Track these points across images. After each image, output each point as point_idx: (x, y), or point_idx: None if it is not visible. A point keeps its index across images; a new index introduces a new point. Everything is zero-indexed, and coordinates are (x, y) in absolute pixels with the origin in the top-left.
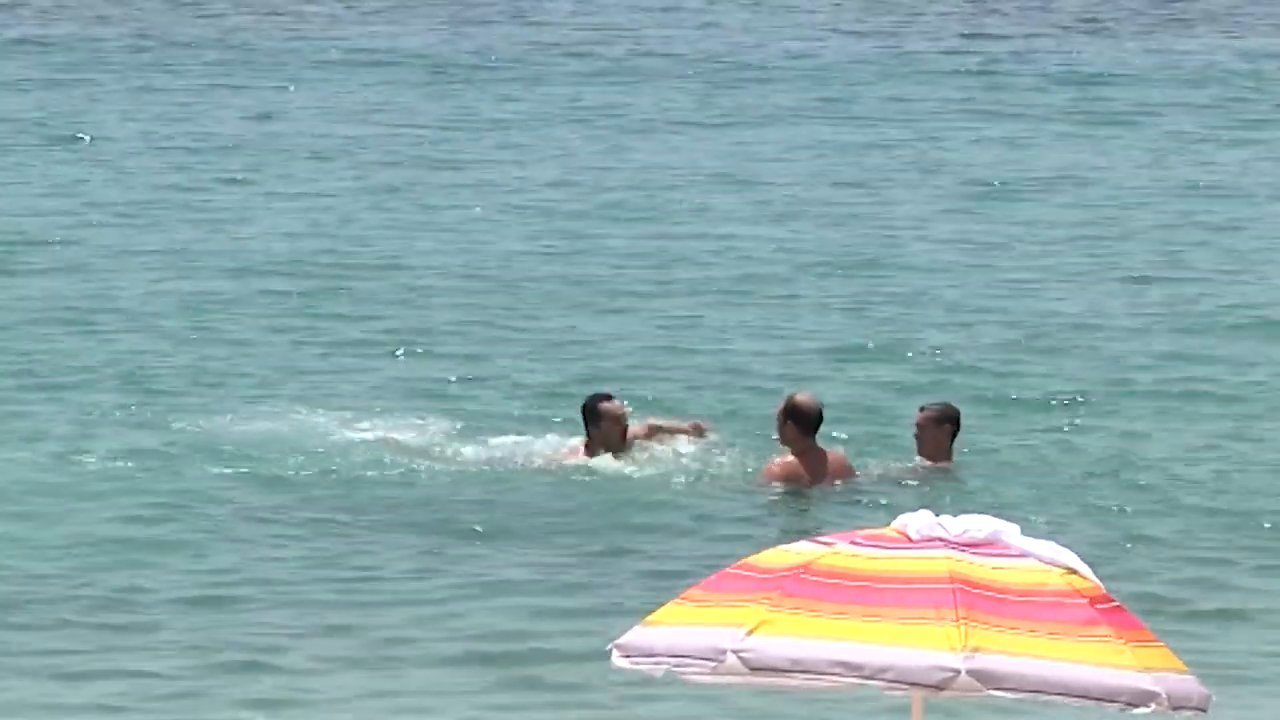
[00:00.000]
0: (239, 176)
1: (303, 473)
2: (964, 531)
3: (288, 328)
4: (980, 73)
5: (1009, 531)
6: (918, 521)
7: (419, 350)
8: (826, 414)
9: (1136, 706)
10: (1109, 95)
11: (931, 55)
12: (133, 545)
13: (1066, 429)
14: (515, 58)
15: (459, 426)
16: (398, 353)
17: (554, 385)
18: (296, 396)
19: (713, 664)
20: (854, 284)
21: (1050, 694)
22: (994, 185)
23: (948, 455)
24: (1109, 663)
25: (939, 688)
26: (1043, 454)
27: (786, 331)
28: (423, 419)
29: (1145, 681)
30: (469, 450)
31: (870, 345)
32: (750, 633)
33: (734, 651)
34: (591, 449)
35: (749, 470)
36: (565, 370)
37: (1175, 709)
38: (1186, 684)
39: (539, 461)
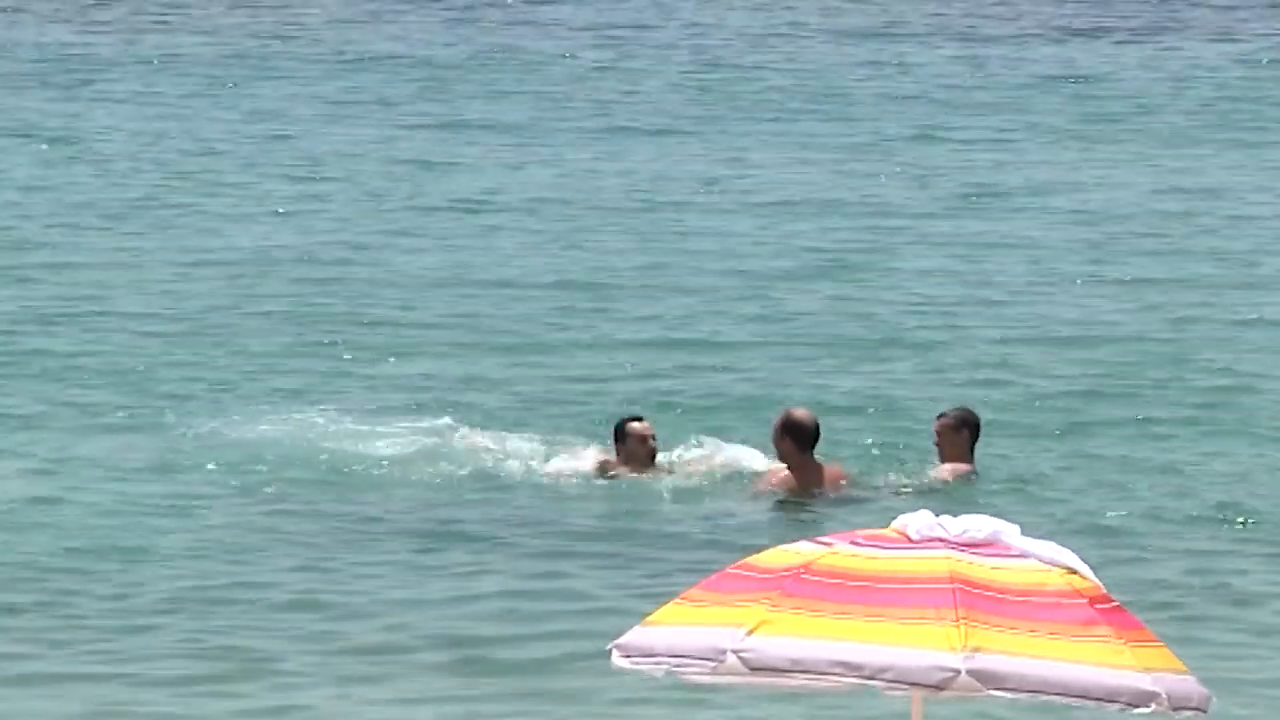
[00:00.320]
0: (236, 179)
1: (294, 477)
2: (964, 532)
3: (290, 329)
4: (977, 73)
5: (1009, 532)
6: (918, 521)
7: (416, 352)
8: (841, 423)
9: (1136, 707)
10: (1104, 97)
11: (930, 56)
12: (126, 546)
13: (1067, 429)
14: (512, 58)
15: (458, 430)
16: (390, 359)
17: (555, 387)
18: (296, 400)
19: (713, 664)
20: (851, 287)
21: (1050, 694)
22: (992, 187)
23: (969, 461)
24: (1109, 663)
25: (939, 688)
26: (1043, 454)
27: (784, 333)
28: (425, 422)
29: (1145, 682)
30: (469, 454)
31: (879, 350)
32: (750, 633)
33: (734, 651)
34: (617, 466)
35: (744, 480)
36: (566, 372)
37: (1175, 709)
38: (1186, 684)
39: (550, 469)
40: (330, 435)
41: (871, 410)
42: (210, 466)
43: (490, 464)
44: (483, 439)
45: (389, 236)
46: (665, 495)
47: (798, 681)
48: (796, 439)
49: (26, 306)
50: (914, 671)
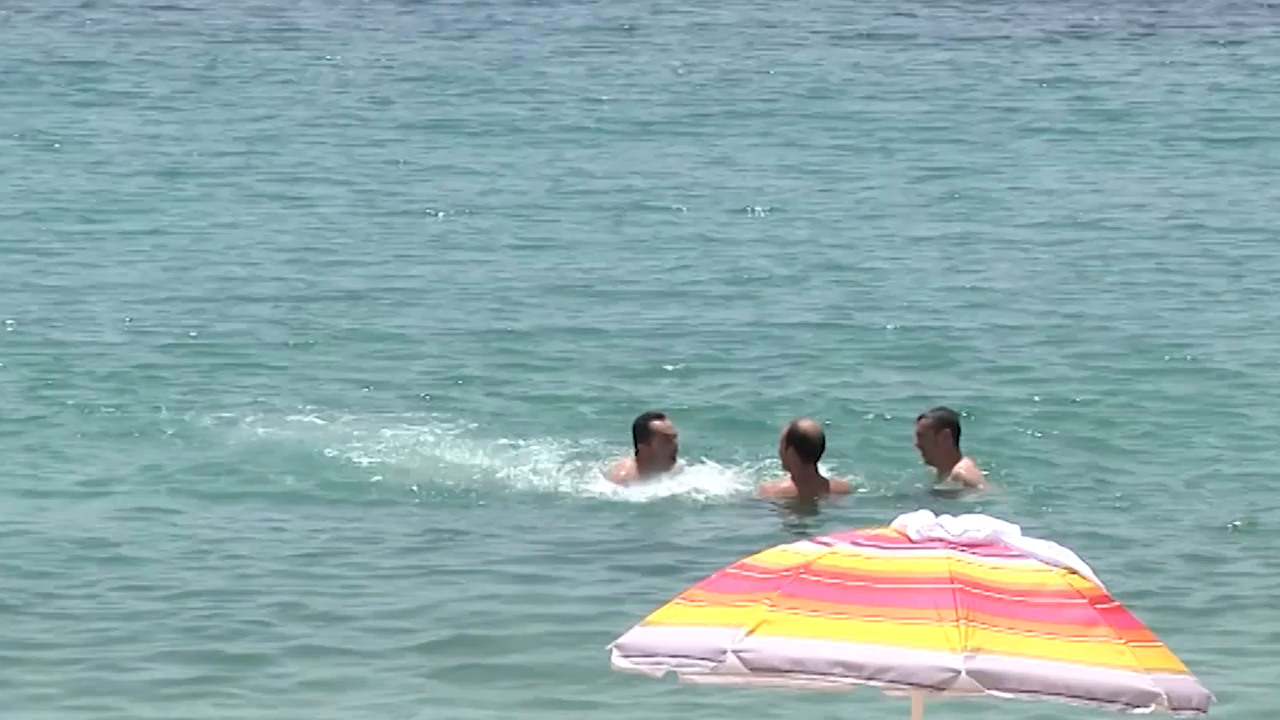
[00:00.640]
0: (231, 180)
1: (294, 478)
2: (964, 532)
3: (286, 330)
4: (971, 74)
5: (1009, 532)
6: (918, 522)
7: (416, 353)
8: (841, 425)
9: (1137, 707)
10: (1099, 100)
11: (926, 59)
12: (122, 547)
13: (1066, 429)
14: (507, 63)
15: (456, 431)
16: (389, 360)
17: (554, 388)
18: (295, 401)
19: (713, 664)
20: (846, 290)
21: (1050, 694)
22: (987, 188)
23: (955, 459)
24: (1109, 663)
25: (939, 688)
26: (1043, 455)
27: (782, 335)
28: (426, 423)
29: (1145, 682)
30: (468, 456)
31: (879, 352)
32: (750, 633)
33: (734, 651)
34: (640, 466)
35: (746, 487)
36: (566, 371)
37: (1175, 710)
38: (1186, 684)
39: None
40: (329, 436)
41: (871, 413)
42: (209, 467)
43: (485, 466)
44: (481, 441)
45: (384, 238)
46: (667, 500)
47: (798, 681)
48: (801, 450)
49: (20, 307)
50: (914, 671)
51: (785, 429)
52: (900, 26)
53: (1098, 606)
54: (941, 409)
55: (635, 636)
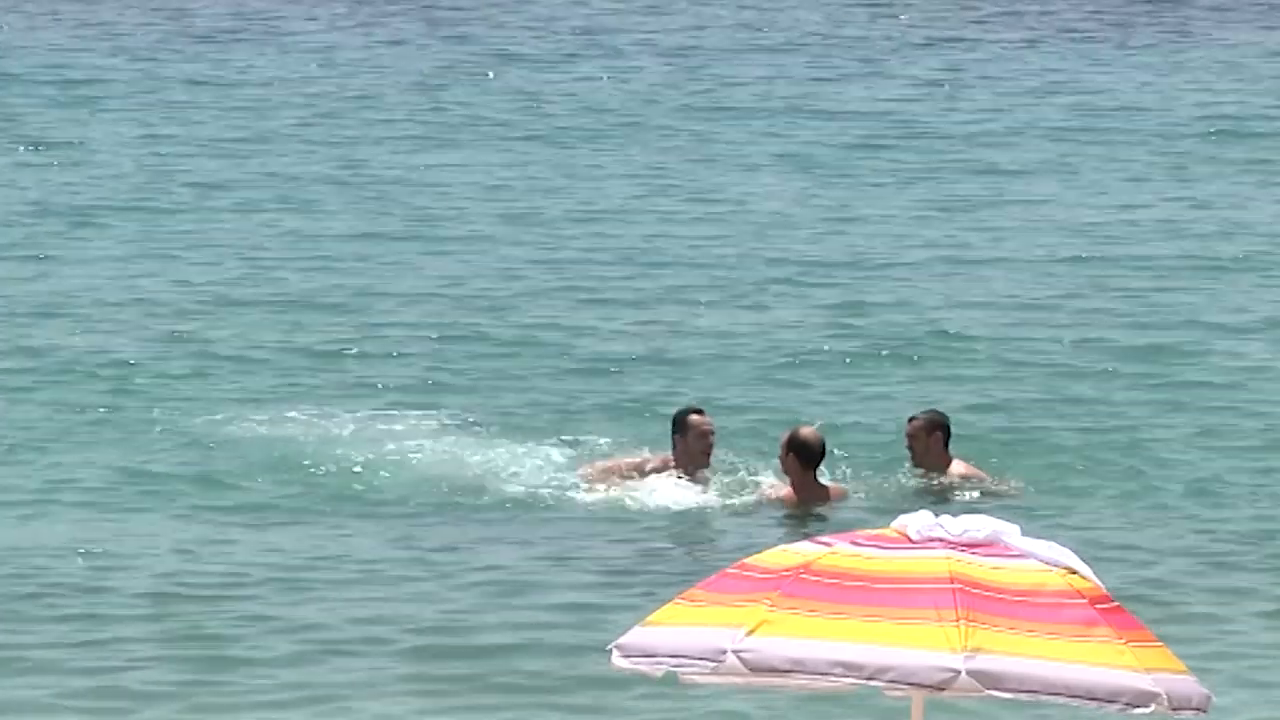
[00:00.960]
0: (226, 179)
1: (293, 479)
2: (964, 532)
3: (282, 331)
4: (965, 76)
5: (1009, 532)
6: (918, 522)
7: (416, 354)
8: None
9: (1137, 707)
10: (1093, 101)
11: (915, 59)
12: (111, 547)
13: (1066, 430)
14: (494, 60)
15: (445, 427)
16: (389, 361)
17: (552, 389)
18: (294, 402)
19: (713, 664)
20: (844, 293)
21: (1050, 694)
22: (983, 189)
23: (946, 462)
24: (1109, 663)
25: (939, 688)
26: (1042, 455)
27: (779, 339)
28: (428, 424)
29: (1145, 682)
30: (466, 457)
31: (859, 355)
32: (750, 633)
33: (734, 652)
34: (677, 460)
35: (744, 492)
36: (563, 373)
37: (1175, 710)
38: (1187, 684)
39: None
40: (328, 437)
41: (870, 415)
42: (197, 471)
43: (478, 469)
44: (476, 442)
45: (379, 239)
46: (667, 504)
47: (798, 682)
48: (802, 457)
49: (11, 307)
50: (914, 671)
51: (786, 436)
52: (891, 26)
53: (1098, 606)
54: (932, 411)
55: (635, 636)
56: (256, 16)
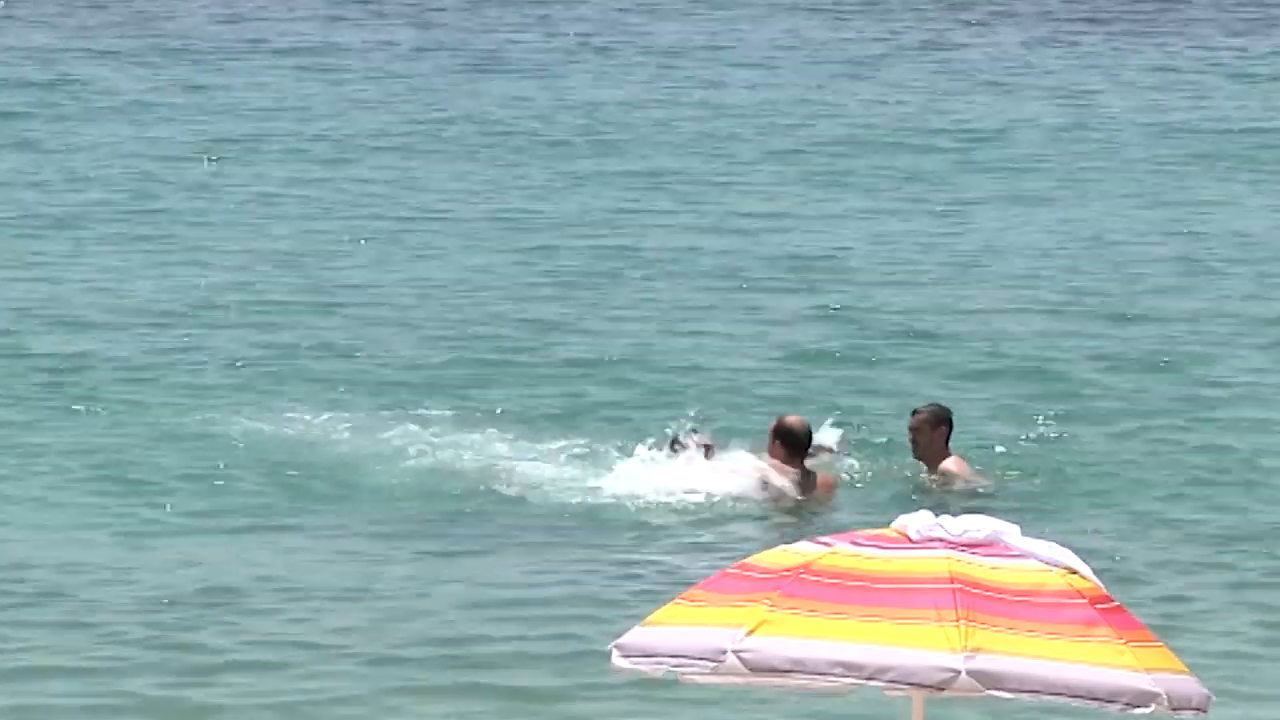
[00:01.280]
0: (222, 179)
1: (291, 480)
2: (964, 532)
3: (279, 331)
4: (955, 78)
5: (1009, 532)
6: (918, 522)
7: (417, 354)
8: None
9: (1137, 707)
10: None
11: (907, 60)
12: (106, 549)
13: (1066, 429)
14: (484, 59)
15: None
16: (389, 361)
17: (551, 391)
18: (294, 402)
19: (713, 664)
20: (842, 292)
21: (1050, 694)
22: (978, 189)
23: (945, 457)
24: (1109, 663)
25: (939, 688)
26: (1042, 456)
27: (777, 338)
28: (430, 423)
29: (1145, 682)
30: (464, 457)
31: (860, 352)
32: (750, 633)
33: (734, 652)
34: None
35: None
36: (561, 375)
37: (1175, 710)
38: (1187, 684)
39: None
40: (328, 437)
41: (868, 411)
42: (197, 472)
43: (476, 469)
44: (479, 442)
45: (374, 242)
46: (662, 499)
47: (798, 682)
48: (788, 445)
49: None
50: (914, 671)
51: (772, 424)
52: (881, 27)
53: (1098, 606)
54: (936, 405)
55: (635, 636)
56: (249, 18)
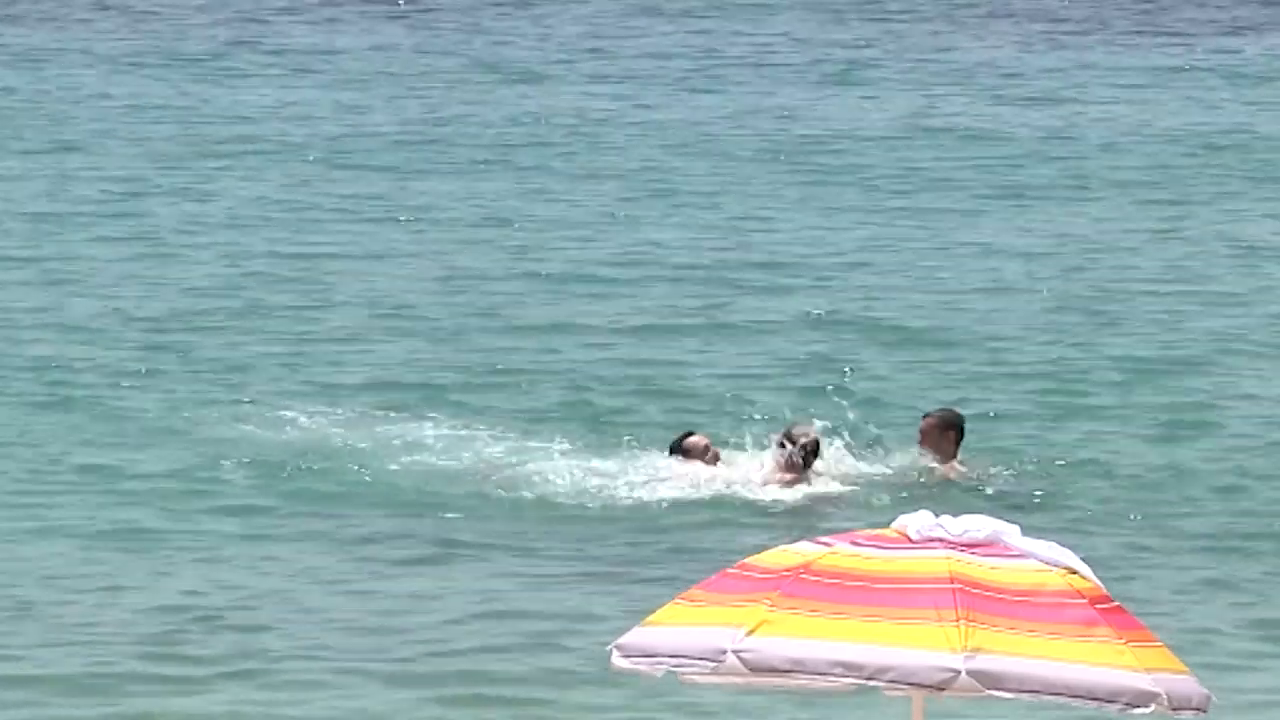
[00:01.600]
0: (220, 178)
1: (286, 483)
2: (964, 532)
3: (279, 331)
4: (964, 80)
5: (1009, 532)
6: (918, 522)
7: (416, 353)
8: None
9: (1137, 707)
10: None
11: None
12: (102, 549)
13: (1066, 429)
14: (483, 70)
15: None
16: (388, 360)
17: (552, 393)
18: (293, 402)
19: (713, 664)
20: (841, 292)
21: (1050, 694)
22: (969, 191)
23: (952, 461)
24: (1109, 663)
25: (939, 688)
26: (1041, 456)
27: (769, 339)
28: (431, 423)
29: (1145, 682)
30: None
31: (859, 351)
32: (750, 633)
33: (734, 652)
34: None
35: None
36: (561, 375)
37: (1175, 710)
38: (1187, 684)
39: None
40: (325, 439)
41: (869, 412)
42: (195, 470)
43: (478, 468)
44: (477, 442)
45: (374, 241)
46: (664, 500)
47: (798, 682)
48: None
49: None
50: (914, 671)
51: (780, 434)
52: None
53: (1098, 606)
54: (948, 409)
55: (635, 636)
56: (239, 19)
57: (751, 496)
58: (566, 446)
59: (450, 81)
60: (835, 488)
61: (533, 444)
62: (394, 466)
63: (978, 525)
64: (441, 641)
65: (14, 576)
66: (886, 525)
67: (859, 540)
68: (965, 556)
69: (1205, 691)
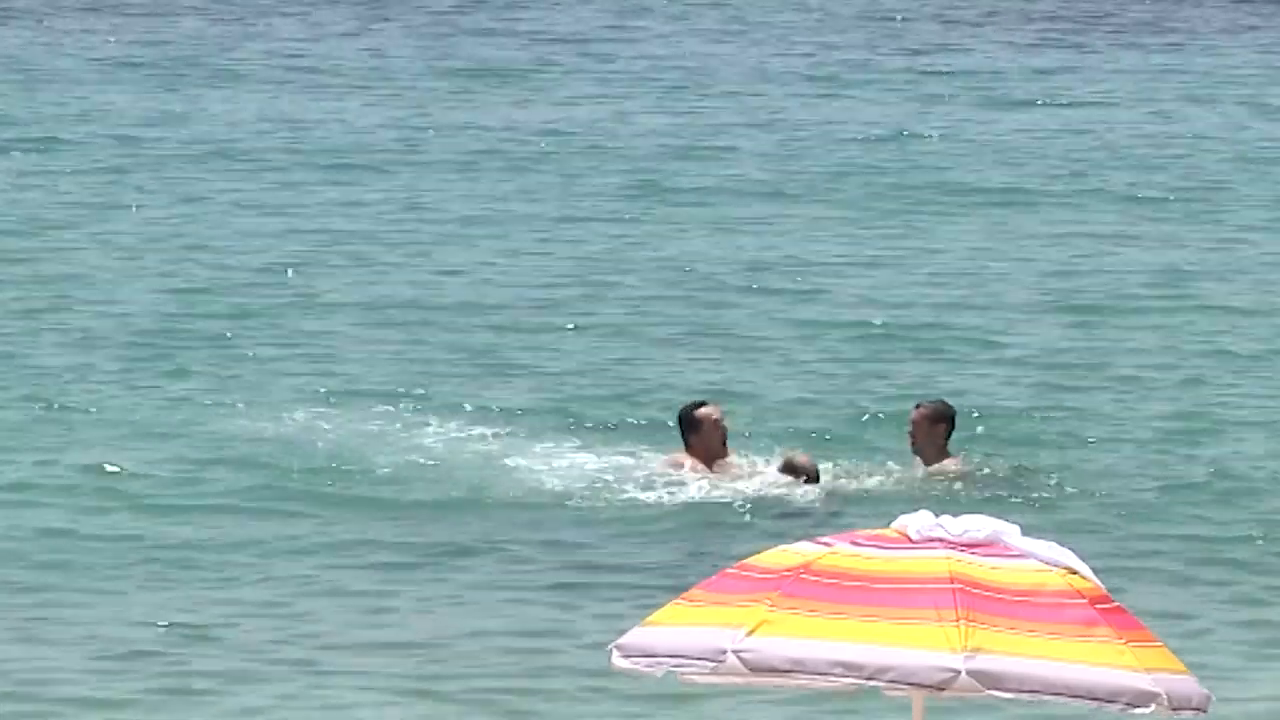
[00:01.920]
0: (220, 179)
1: (285, 483)
2: (964, 532)
3: (279, 330)
4: (963, 82)
5: (1009, 532)
6: (918, 522)
7: (418, 352)
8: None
9: (1137, 707)
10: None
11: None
12: (100, 550)
13: (1066, 432)
14: (479, 66)
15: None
16: (391, 359)
17: (554, 393)
18: (293, 401)
19: (713, 664)
20: (840, 292)
21: (1050, 694)
22: (977, 191)
23: (943, 455)
24: (1109, 663)
25: (939, 688)
26: (1041, 456)
27: (768, 341)
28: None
29: (1145, 682)
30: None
31: (858, 353)
32: (750, 633)
33: (734, 652)
34: (697, 456)
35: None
36: (559, 376)
37: (1175, 710)
38: (1187, 684)
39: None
40: (322, 440)
41: (867, 411)
42: (197, 468)
43: (478, 468)
44: (476, 442)
45: (376, 240)
46: (665, 501)
47: (798, 682)
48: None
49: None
50: (914, 672)
51: (779, 463)
52: (867, 29)
53: (1098, 606)
54: (940, 401)
55: (635, 637)
56: (230, 17)
57: (751, 497)
58: (565, 447)
59: (449, 80)
60: (835, 488)
61: (531, 445)
62: (387, 469)
63: (978, 525)
64: (438, 643)
65: (13, 577)
66: (886, 525)
67: (859, 540)
68: (965, 556)
69: (1205, 692)
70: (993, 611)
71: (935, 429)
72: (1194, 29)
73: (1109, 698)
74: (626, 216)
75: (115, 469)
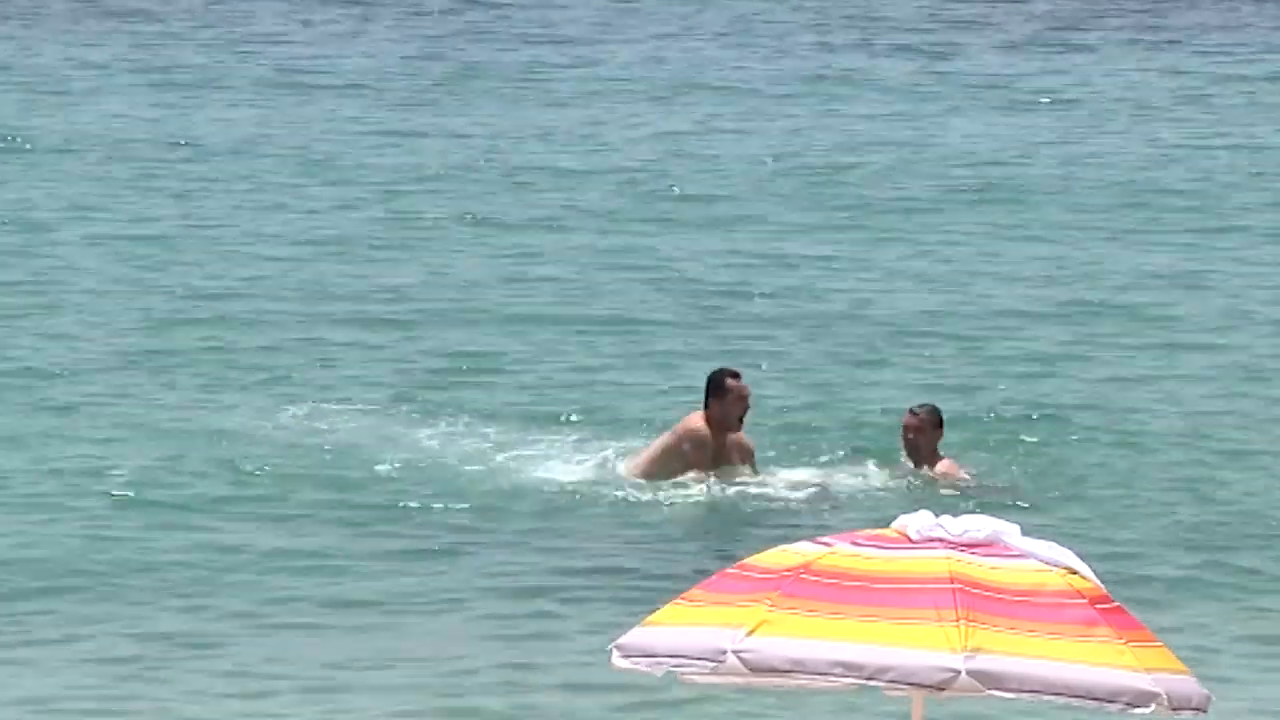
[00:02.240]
0: (221, 181)
1: (282, 483)
2: (964, 532)
3: (281, 330)
4: (962, 85)
5: (1009, 532)
6: (918, 522)
7: (419, 353)
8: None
9: (1137, 707)
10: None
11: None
12: (98, 549)
13: (1065, 432)
14: (477, 69)
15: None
16: (390, 359)
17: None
18: (292, 401)
19: (713, 664)
20: (839, 293)
21: (1050, 694)
22: (965, 191)
23: (937, 458)
24: (1109, 663)
25: (939, 688)
26: (1041, 456)
27: (766, 341)
28: (435, 422)
29: (1145, 682)
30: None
31: (857, 353)
32: (750, 633)
33: (734, 652)
34: (710, 423)
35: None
36: (560, 376)
37: (1175, 710)
38: (1187, 684)
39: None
40: (331, 435)
41: (864, 413)
42: (191, 469)
43: (477, 467)
44: (476, 442)
45: (377, 238)
46: (663, 501)
47: (798, 682)
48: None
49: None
50: (914, 672)
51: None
52: (864, 30)
53: (1098, 606)
54: (932, 405)
55: (635, 636)
56: (225, 18)
57: (751, 497)
58: (562, 448)
59: (447, 83)
60: (835, 488)
61: (527, 445)
62: (383, 467)
63: (978, 525)
64: (434, 643)
65: (11, 580)
66: (886, 525)
67: (859, 540)
68: (965, 556)
69: (1205, 692)
70: (993, 611)
71: (935, 433)
72: (1192, 29)
73: (1109, 698)
74: (620, 218)
75: (110, 472)
